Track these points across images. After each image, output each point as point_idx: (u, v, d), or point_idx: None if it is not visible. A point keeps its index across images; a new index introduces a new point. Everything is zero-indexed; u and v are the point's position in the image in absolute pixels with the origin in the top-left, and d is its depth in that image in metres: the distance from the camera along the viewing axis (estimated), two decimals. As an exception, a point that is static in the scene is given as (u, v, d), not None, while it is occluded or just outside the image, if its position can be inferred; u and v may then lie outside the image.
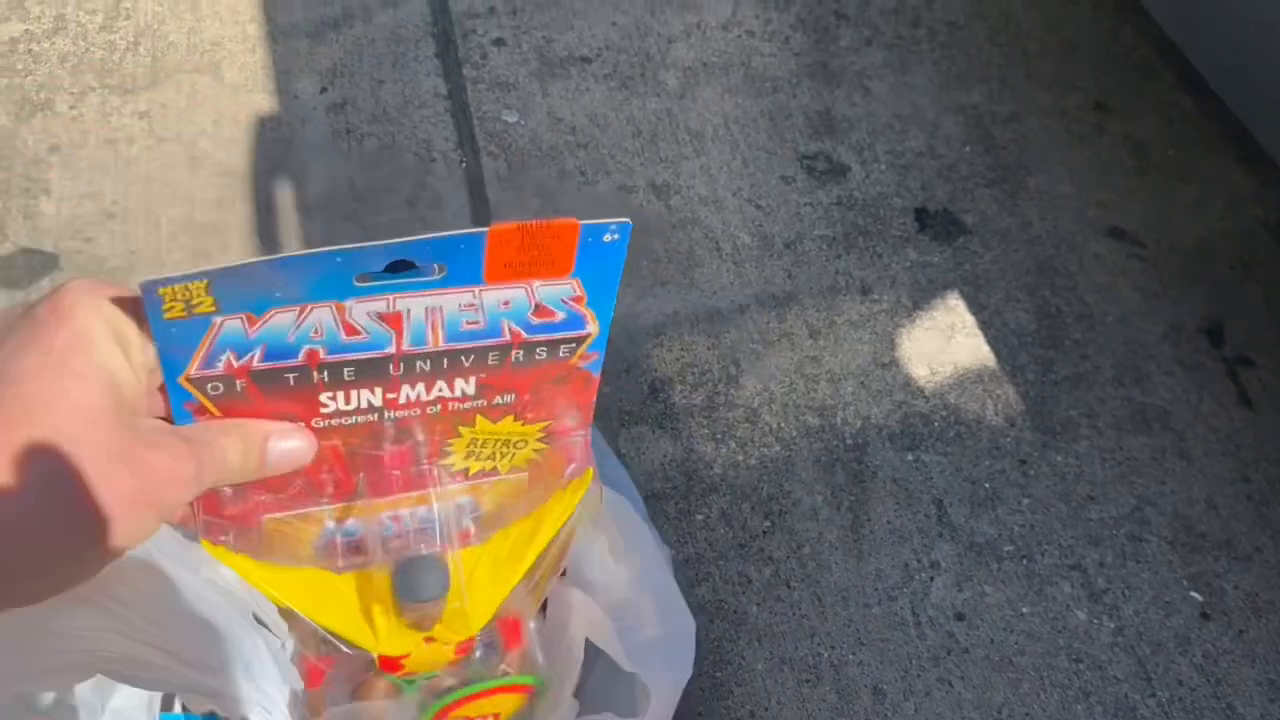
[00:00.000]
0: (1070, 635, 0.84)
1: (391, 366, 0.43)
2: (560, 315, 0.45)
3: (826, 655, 0.82)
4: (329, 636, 0.48)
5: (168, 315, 0.38)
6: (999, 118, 1.16)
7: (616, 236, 0.43)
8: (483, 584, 0.49)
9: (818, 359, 0.97)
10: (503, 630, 0.53)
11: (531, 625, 0.54)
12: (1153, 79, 1.21)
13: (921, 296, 1.02)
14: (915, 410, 0.94)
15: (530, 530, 0.50)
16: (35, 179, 1.04)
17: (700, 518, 0.87)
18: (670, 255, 1.03)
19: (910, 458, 0.92)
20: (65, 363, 0.34)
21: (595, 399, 0.49)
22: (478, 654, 0.52)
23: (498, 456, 0.49)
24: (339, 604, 0.47)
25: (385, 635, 0.48)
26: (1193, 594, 0.86)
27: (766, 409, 0.94)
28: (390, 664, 0.48)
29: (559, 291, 0.44)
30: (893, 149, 1.13)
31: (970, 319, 1.00)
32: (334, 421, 0.45)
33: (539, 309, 0.44)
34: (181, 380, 0.40)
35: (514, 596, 0.50)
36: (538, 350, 0.45)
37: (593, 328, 0.45)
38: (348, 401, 0.44)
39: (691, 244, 1.04)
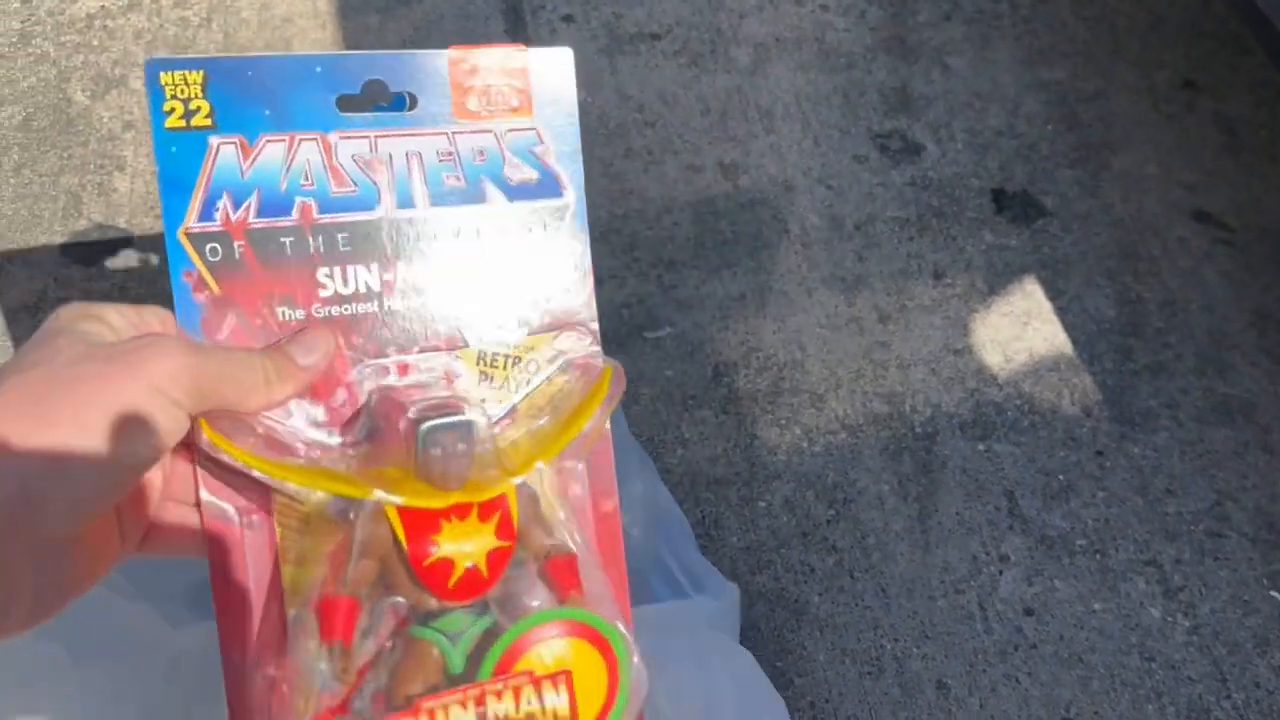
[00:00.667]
0: (1143, 633, 0.81)
1: (384, 236, 0.45)
2: (535, 175, 0.47)
3: (890, 648, 0.80)
4: (342, 506, 0.42)
5: (168, 123, 0.41)
6: (1083, 95, 1.13)
7: (566, 68, 0.46)
8: (512, 455, 0.45)
9: (887, 344, 0.95)
10: (553, 572, 0.46)
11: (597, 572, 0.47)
12: (1244, 55, 1.16)
13: (997, 281, 0.99)
14: (988, 399, 0.92)
15: (562, 426, 0.47)
16: (110, 155, 1.05)
17: (763, 504, 0.86)
18: (737, 236, 1.01)
19: (981, 447, 0.89)
20: (48, 335, 0.39)
21: (593, 289, 0.48)
22: (520, 572, 0.45)
23: (511, 383, 0.48)
24: (351, 477, 0.43)
25: (406, 487, 0.42)
26: (1273, 593, 0.83)
27: (833, 395, 0.92)
28: (420, 547, 0.42)
29: (525, 140, 0.46)
30: (971, 127, 1.10)
31: (1047, 305, 0.98)
32: (334, 309, 0.45)
33: (511, 163, 0.46)
34: (180, 235, 0.42)
35: (542, 476, 0.46)
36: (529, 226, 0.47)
37: (569, 196, 0.47)
38: (345, 282, 0.45)
39: (759, 225, 1.02)
